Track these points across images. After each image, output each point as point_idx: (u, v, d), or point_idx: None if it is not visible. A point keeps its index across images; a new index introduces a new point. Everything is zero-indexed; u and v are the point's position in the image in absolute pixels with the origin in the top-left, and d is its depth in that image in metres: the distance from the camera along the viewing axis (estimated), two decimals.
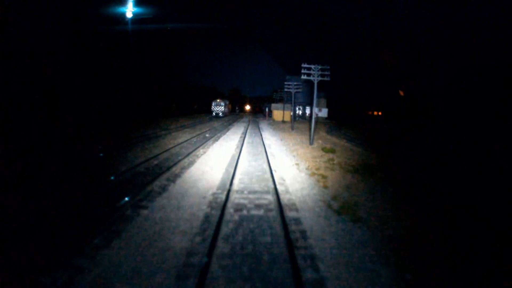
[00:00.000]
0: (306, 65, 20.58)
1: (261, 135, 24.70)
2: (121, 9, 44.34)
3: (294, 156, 15.89)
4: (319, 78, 20.58)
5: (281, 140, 23.17)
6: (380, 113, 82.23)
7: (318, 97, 66.80)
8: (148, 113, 47.08)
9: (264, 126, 36.64)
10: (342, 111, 76.57)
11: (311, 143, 20.79)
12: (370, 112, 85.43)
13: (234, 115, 79.05)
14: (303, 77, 20.73)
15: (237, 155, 13.97)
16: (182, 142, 18.01)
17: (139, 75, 54.31)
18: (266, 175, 10.71)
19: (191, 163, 12.51)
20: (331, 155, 16.95)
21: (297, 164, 13.38)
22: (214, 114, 55.37)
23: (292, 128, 33.31)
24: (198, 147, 16.47)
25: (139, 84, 53.84)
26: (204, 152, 15.09)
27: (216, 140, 20.24)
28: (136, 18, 46.87)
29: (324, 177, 11.32)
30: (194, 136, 21.77)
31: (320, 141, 23.21)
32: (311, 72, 20.56)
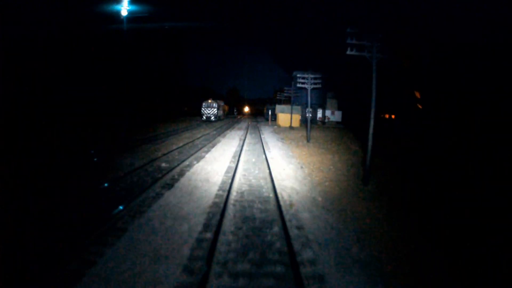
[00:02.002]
0: (353, 29, 10.66)
1: (266, 159, 14.53)
2: (115, 7, 39.01)
3: (367, 251, 6.00)
4: (379, 55, 10.70)
5: (302, 168, 13.26)
6: (393, 116, 72.58)
7: (329, 97, 56.67)
8: (124, 118, 37.77)
9: (269, 137, 26.52)
10: (354, 114, 66.50)
11: (365, 182, 10.77)
12: (382, 115, 75.81)
13: (231, 118, 68.53)
14: (349, 52, 10.80)
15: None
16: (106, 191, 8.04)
17: (128, 76, 47.04)
18: None
19: None
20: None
21: None
22: (204, 118, 44.78)
23: (308, 140, 23.41)
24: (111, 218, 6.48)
25: (124, 85, 46.24)
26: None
27: (177, 179, 10.05)
28: (132, 17, 41.52)
29: None
30: (145, 165, 11.79)
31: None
32: (365, 43, 10.66)
